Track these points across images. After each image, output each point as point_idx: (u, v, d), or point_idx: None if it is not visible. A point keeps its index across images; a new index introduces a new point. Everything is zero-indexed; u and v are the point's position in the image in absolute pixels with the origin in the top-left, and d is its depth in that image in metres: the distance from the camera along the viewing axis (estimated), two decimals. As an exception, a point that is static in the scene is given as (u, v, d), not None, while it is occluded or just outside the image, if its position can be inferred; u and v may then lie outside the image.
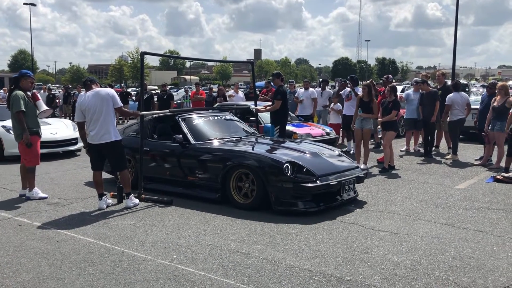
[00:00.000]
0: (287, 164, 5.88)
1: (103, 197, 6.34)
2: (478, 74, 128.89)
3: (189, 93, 17.42)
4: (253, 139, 7.36)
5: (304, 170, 5.95)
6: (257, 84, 20.11)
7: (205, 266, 4.23)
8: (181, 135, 6.92)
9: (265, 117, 10.14)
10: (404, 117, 11.66)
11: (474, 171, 8.85)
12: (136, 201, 6.46)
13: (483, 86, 25.83)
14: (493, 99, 9.19)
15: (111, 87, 20.26)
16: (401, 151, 11.20)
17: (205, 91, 18.22)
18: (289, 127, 9.84)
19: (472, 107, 10.69)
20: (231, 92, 15.80)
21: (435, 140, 11.04)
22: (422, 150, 10.88)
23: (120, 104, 6.44)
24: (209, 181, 6.53)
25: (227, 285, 3.84)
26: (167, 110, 8.68)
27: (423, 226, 5.39)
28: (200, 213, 5.99)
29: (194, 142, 6.90)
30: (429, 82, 11.87)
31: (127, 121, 19.24)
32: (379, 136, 11.39)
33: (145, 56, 7.12)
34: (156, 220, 5.74)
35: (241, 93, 15.22)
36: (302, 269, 4.15)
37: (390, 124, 9.05)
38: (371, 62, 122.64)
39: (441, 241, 4.86)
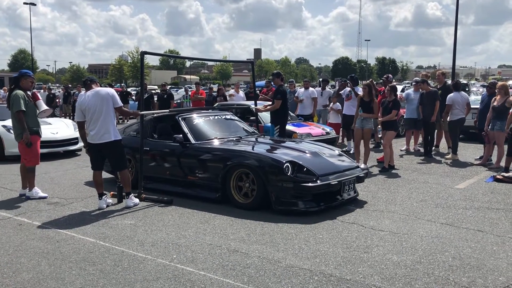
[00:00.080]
0: (288, 164, 5.88)
1: (103, 197, 6.34)
2: (478, 74, 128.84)
3: (189, 93, 17.43)
4: (253, 139, 7.36)
5: (305, 169, 5.95)
6: (257, 83, 20.12)
7: (205, 266, 4.23)
8: (181, 135, 6.92)
9: (265, 117, 10.15)
10: (404, 117, 11.66)
11: (474, 170, 8.85)
12: (136, 200, 6.46)
13: (483, 86, 25.82)
14: (493, 98, 9.19)
15: (111, 86, 20.26)
16: (401, 150, 11.20)
17: (205, 91, 18.22)
18: (289, 127, 9.84)
19: (472, 106, 10.69)
20: (231, 91, 15.80)
21: (435, 140, 11.04)
22: (422, 149, 10.88)
23: (120, 103, 6.44)
24: (209, 181, 6.53)
25: (227, 285, 3.85)
26: (167, 110, 8.68)
27: (423, 226, 5.40)
28: (200, 213, 5.99)
29: (194, 142, 6.90)
30: (429, 81, 11.86)
31: (127, 121, 19.25)
32: (379, 135, 11.40)
33: (145, 55, 7.12)
34: (156, 219, 5.74)
35: (241, 93, 15.23)
36: (302, 268, 4.15)
37: (390, 124, 9.05)
38: (371, 61, 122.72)
39: (441, 241, 4.86)
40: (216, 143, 6.92)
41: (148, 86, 23.93)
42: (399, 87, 18.66)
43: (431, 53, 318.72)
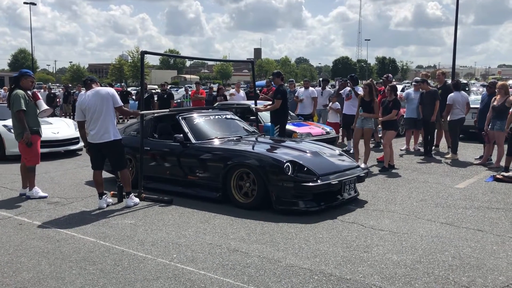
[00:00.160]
0: (288, 164, 5.88)
1: (103, 196, 6.34)
2: (478, 73, 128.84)
3: (189, 92, 17.43)
4: (254, 139, 7.36)
5: (305, 169, 5.95)
6: (257, 83, 20.13)
7: (205, 265, 4.23)
8: (181, 135, 6.93)
9: (265, 116, 10.15)
10: (404, 116, 11.66)
11: (474, 170, 8.85)
12: (136, 200, 6.46)
13: (483, 86, 25.82)
14: (493, 98, 9.19)
15: (111, 86, 20.25)
16: (401, 150, 11.20)
17: (205, 90, 18.23)
18: (289, 126, 9.84)
19: (472, 106, 10.69)
20: (232, 91, 15.80)
21: (435, 140, 11.04)
22: (422, 149, 10.88)
23: (120, 103, 6.44)
24: (210, 181, 6.53)
25: (227, 284, 3.85)
26: (167, 110, 8.69)
27: (423, 225, 5.40)
28: (200, 212, 6.00)
29: (195, 142, 6.90)
30: (429, 81, 11.86)
31: (127, 121, 19.26)
32: (379, 135, 11.40)
33: (145, 55, 7.12)
34: (156, 219, 5.74)
35: (242, 92, 15.23)
36: (302, 268, 4.16)
37: (390, 124, 9.06)
38: (371, 61, 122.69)
39: (441, 240, 4.86)
40: (216, 142, 6.92)
41: (148, 86, 23.94)
42: (399, 87, 18.68)
43: (431, 53, 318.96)
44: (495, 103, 8.98)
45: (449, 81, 12.77)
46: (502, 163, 8.69)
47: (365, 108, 9.03)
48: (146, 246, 4.75)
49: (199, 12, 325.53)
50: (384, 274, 4.00)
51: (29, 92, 7.00)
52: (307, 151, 6.52)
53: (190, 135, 6.98)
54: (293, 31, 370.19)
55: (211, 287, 3.81)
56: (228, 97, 15.06)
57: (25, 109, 6.72)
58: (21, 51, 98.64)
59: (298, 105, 12.76)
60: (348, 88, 11.19)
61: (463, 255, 4.44)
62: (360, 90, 10.69)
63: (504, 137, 8.88)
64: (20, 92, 6.79)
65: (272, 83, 12.17)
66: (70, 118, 18.54)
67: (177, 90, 31.75)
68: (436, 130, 10.97)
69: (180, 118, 7.28)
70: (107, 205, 6.34)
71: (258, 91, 14.23)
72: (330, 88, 15.85)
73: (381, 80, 13.48)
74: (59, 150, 10.86)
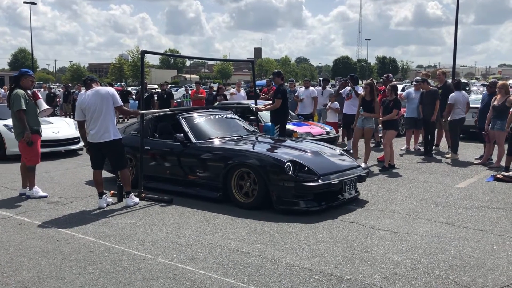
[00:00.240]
0: (289, 163, 5.87)
1: (103, 196, 6.34)
2: (479, 73, 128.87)
3: (189, 92, 17.42)
4: (254, 138, 7.35)
5: (306, 169, 5.94)
6: (257, 83, 20.11)
7: (205, 265, 4.23)
8: (182, 134, 6.92)
9: (265, 116, 10.14)
10: (405, 116, 11.66)
11: (474, 170, 8.85)
12: (136, 200, 6.46)
13: (483, 85, 25.82)
14: (494, 98, 9.19)
15: (111, 85, 20.24)
16: (401, 150, 11.19)
17: (205, 90, 18.23)
18: (289, 126, 9.84)
19: (472, 106, 10.67)
20: (233, 90, 15.79)
21: (435, 139, 11.04)
22: (422, 149, 10.88)
23: (120, 103, 6.43)
24: (210, 180, 6.52)
25: (227, 284, 3.84)
26: (168, 109, 8.68)
27: (423, 225, 5.39)
28: (200, 212, 5.99)
29: (195, 141, 6.89)
30: (429, 81, 11.85)
31: (127, 120, 19.26)
32: (380, 135, 11.39)
33: (145, 55, 7.12)
34: (156, 219, 5.74)
35: (243, 92, 15.22)
36: (302, 268, 4.15)
37: (391, 123, 9.05)
38: (372, 61, 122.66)
39: (441, 240, 4.86)
40: (217, 142, 6.92)
41: (148, 85, 23.94)
42: (399, 87, 18.67)
43: (432, 53, 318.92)
44: (495, 103, 8.97)
45: (450, 81, 12.76)
46: (503, 163, 8.68)
47: (366, 108, 9.02)
48: (146, 246, 4.75)
49: (199, 11, 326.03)
50: (385, 274, 4.00)
51: (29, 92, 6.99)
52: (308, 151, 6.52)
53: (190, 135, 6.97)
54: (293, 31, 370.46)
55: (211, 287, 3.80)
56: (228, 97, 15.06)
57: (25, 108, 6.72)
58: (21, 51, 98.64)
59: (298, 104, 12.75)
60: (348, 88, 11.19)
61: (463, 255, 4.44)
62: (360, 90, 10.69)
63: (505, 136, 8.87)
64: (20, 91, 6.79)
65: (272, 82, 12.18)
66: (70, 117, 18.54)
67: (177, 90, 31.74)
68: (436, 130, 10.97)
69: (180, 117, 7.28)
70: (107, 205, 6.34)
71: (258, 91, 14.23)
72: (330, 87, 15.85)
73: (381, 80, 13.47)
74: (60, 149, 10.85)
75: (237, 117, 8.37)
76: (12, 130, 7.28)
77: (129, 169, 6.92)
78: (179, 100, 19.89)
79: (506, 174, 7.91)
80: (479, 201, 6.50)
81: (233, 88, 18.14)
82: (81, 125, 6.44)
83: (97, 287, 3.83)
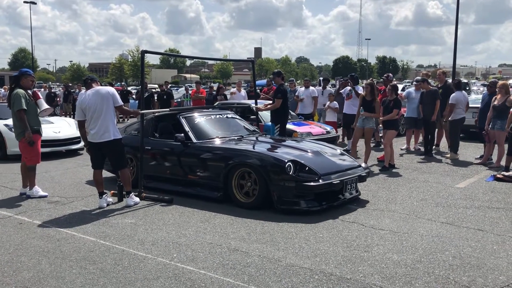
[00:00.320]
0: (290, 163, 5.87)
1: (104, 196, 6.34)
2: (479, 73, 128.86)
3: (190, 92, 17.42)
4: (255, 138, 7.35)
5: (307, 169, 5.94)
6: (258, 82, 20.10)
7: (205, 265, 4.23)
8: (182, 134, 6.92)
9: (266, 116, 10.14)
10: (405, 116, 11.65)
11: (475, 170, 8.85)
12: (137, 199, 6.46)
13: (483, 85, 25.82)
14: (494, 98, 9.19)
15: (112, 85, 20.24)
16: (401, 149, 11.19)
17: (206, 90, 18.23)
18: (289, 126, 9.84)
19: (473, 105, 10.66)
20: (233, 90, 15.78)
21: (435, 139, 11.04)
22: (422, 148, 10.87)
23: (121, 102, 6.44)
24: (211, 180, 6.53)
25: (227, 284, 3.85)
26: (168, 109, 8.69)
27: (423, 225, 5.40)
28: (201, 212, 5.99)
29: (196, 141, 6.89)
30: (429, 80, 11.85)
31: (128, 120, 19.26)
32: (380, 134, 11.39)
33: (145, 54, 7.12)
34: (157, 218, 5.74)
35: (243, 91, 15.21)
36: (302, 267, 4.15)
37: (391, 123, 9.05)
38: (372, 60, 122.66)
39: (441, 240, 4.86)
40: (217, 142, 6.92)
41: (148, 85, 23.94)
42: (400, 86, 18.69)
43: (432, 52, 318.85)
44: (495, 103, 8.97)
45: (450, 81, 12.76)
46: (503, 163, 8.69)
47: (366, 108, 9.02)
48: (146, 246, 4.75)
49: (199, 11, 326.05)
50: (385, 274, 4.00)
51: (29, 92, 6.99)
52: (309, 151, 6.52)
53: (191, 135, 6.97)
54: (293, 30, 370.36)
55: (211, 286, 3.81)
56: (228, 96, 15.06)
57: (26, 108, 6.72)
58: (21, 50, 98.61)
59: (298, 104, 12.76)
60: (348, 88, 11.19)
61: (463, 254, 4.44)
62: (361, 90, 10.69)
63: (505, 136, 8.88)
64: (20, 91, 6.79)
65: (273, 82, 12.18)
66: (70, 117, 18.54)
67: (177, 90, 31.75)
68: (436, 130, 10.97)
69: (181, 117, 7.28)
70: (107, 205, 6.34)
71: (259, 91, 14.24)
72: (330, 87, 15.84)
73: (381, 80, 13.48)
74: (61, 149, 10.85)
75: (237, 116, 8.36)
76: (13, 130, 7.28)
77: (129, 169, 6.92)
78: (179, 100, 19.90)
79: (506, 174, 7.91)
80: (479, 201, 6.50)
81: (233, 88, 18.13)
82: (81, 125, 6.44)
83: (97, 286, 3.84)
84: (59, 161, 10.15)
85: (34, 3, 51.80)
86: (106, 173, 7.12)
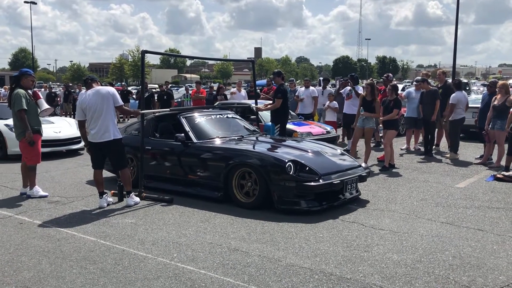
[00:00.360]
0: (290, 163, 5.87)
1: (104, 196, 6.35)
2: (479, 73, 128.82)
3: (190, 92, 17.42)
4: (255, 138, 7.35)
5: (307, 169, 5.94)
6: (258, 82, 20.10)
7: (205, 265, 4.24)
8: (183, 134, 6.92)
9: (266, 116, 10.14)
10: (405, 116, 11.66)
11: (475, 169, 8.85)
12: (137, 199, 6.47)
13: (483, 85, 25.82)
14: (494, 97, 9.19)
15: (112, 85, 20.25)
16: (401, 149, 11.19)
17: (206, 90, 18.23)
18: (289, 126, 9.84)
19: (473, 105, 10.66)
20: (233, 90, 15.78)
21: (435, 139, 11.04)
22: (422, 148, 10.88)
23: (121, 102, 6.44)
24: (211, 180, 6.53)
25: (228, 284, 3.85)
26: (168, 109, 8.69)
27: (423, 225, 5.40)
28: (201, 212, 6.00)
29: (196, 141, 6.90)
30: (429, 80, 11.86)
31: (128, 120, 19.26)
32: (380, 134, 11.39)
33: (145, 54, 7.12)
34: (157, 218, 5.75)
35: (243, 91, 15.21)
36: (302, 267, 4.16)
37: (391, 123, 9.06)
38: (372, 60, 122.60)
39: (441, 240, 4.86)
40: (218, 142, 6.92)
41: (148, 85, 23.95)
42: (399, 86, 18.69)
43: (432, 52, 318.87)
44: (495, 103, 8.98)
45: (450, 81, 12.77)
46: (503, 163, 8.69)
47: (367, 108, 9.02)
48: (146, 246, 4.76)
49: (199, 11, 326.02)
50: (385, 274, 4.00)
51: (29, 92, 7.00)
52: (309, 151, 6.52)
53: (191, 135, 6.98)
54: (293, 30, 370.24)
55: (212, 286, 3.81)
56: (229, 96, 15.06)
57: (26, 108, 6.72)
58: (22, 50, 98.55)
59: (298, 104, 12.76)
60: (348, 88, 11.19)
61: (463, 254, 4.44)
62: (361, 90, 10.69)
63: (505, 136, 8.88)
64: (21, 91, 6.79)
65: (273, 82, 12.18)
66: (70, 117, 18.54)
67: (177, 90, 31.76)
68: (436, 130, 10.97)
69: (181, 117, 7.28)
70: (108, 204, 6.35)
71: (259, 91, 14.24)
72: (330, 87, 15.85)
73: (381, 80, 13.48)
74: (61, 149, 10.85)
75: (238, 116, 8.37)
76: (13, 130, 7.28)
77: (129, 168, 6.93)
78: (179, 99, 19.90)
79: (506, 173, 7.92)
80: (479, 201, 6.50)
81: (233, 87, 18.12)
82: (81, 125, 6.45)
83: (97, 286, 3.84)
84: (59, 161, 10.16)
85: (35, 3, 51.83)
86: (106, 173, 7.12)
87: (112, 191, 6.80)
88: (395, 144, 10.36)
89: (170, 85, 26.14)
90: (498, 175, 7.90)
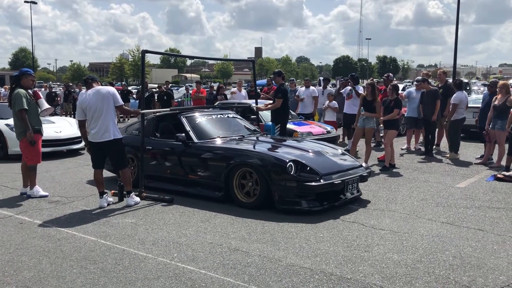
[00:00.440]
0: (291, 163, 5.87)
1: (104, 195, 6.35)
2: (479, 73, 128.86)
3: (190, 92, 17.42)
4: (256, 138, 7.35)
5: (308, 168, 5.94)
6: (258, 82, 20.10)
7: (205, 265, 4.24)
8: (184, 134, 6.92)
9: (266, 116, 10.14)
10: (405, 116, 11.65)
11: (475, 169, 8.85)
12: (137, 199, 6.47)
13: (484, 85, 25.81)
14: (494, 97, 9.18)
15: (112, 85, 20.25)
16: (401, 149, 11.19)
17: (206, 89, 18.23)
18: (290, 126, 9.84)
19: (473, 105, 10.65)
20: (234, 89, 15.78)
21: (435, 139, 11.04)
22: (422, 148, 10.87)
23: (121, 102, 6.44)
24: (212, 180, 6.52)
25: (228, 284, 3.85)
26: (169, 109, 8.68)
27: (423, 225, 5.40)
28: (201, 212, 6.00)
29: (197, 141, 6.89)
30: (430, 80, 11.85)
31: (128, 120, 19.26)
32: (381, 134, 11.39)
33: (146, 54, 7.12)
34: (157, 218, 5.75)
35: (244, 91, 15.20)
36: (302, 267, 4.16)
37: (391, 123, 9.05)
38: (372, 60, 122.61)
39: (441, 240, 4.86)
40: (218, 142, 6.92)
41: (149, 85, 23.94)
42: (400, 86, 18.67)
43: (432, 52, 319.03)
44: (496, 103, 8.97)
45: (450, 80, 12.76)
46: (503, 163, 8.69)
47: (367, 108, 9.01)
48: (147, 245, 4.76)
49: (199, 11, 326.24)
50: (385, 274, 4.00)
51: (30, 91, 7.00)
52: (310, 151, 6.52)
53: (192, 134, 6.97)
54: (294, 30, 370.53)
55: (212, 286, 3.81)
56: (229, 96, 15.05)
57: (27, 108, 6.72)
58: (22, 50, 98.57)
59: (299, 104, 12.75)
60: (349, 87, 11.19)
61: (463, 254, 4.44)
62: (361, 89, 10.68)
63: (505, 136, 8.88)
64: (21, 91, 6.79)
65: (273, 82, 12.18)
66: (70, 117, 18.53)
67: (177, 89, 31.75)
68: (437, 130, 10.96)
69: (182, 117, 7.28)
70: (108, 204, 6.35)
71: (259, 90, 14.23)
72: (331, 87, 15.84)
73: (382, 80, 13.48)
74: (62, 149, 10.85)
75: (238, 116, 8.36)
76: (14, 129, 7.28)
77: (130, 168, 6.92)
78: (179, 99, 19.90)
79: (506, 173, 7.91)
80: (480, 201, 6.50)
81: (234, 87, 18.13)
82: (81, 125, 6.45)
83: (98, 286, 3.84)
84: (59, 160, 10.16)
85: (35, 2, 51.82)
86: (106, 173, 7.12)
87: (113, 191, 6.80)
88: (396, 144, 10.35)
89: (171, 84, 26.12)
90: (499, 175, 7.90)
